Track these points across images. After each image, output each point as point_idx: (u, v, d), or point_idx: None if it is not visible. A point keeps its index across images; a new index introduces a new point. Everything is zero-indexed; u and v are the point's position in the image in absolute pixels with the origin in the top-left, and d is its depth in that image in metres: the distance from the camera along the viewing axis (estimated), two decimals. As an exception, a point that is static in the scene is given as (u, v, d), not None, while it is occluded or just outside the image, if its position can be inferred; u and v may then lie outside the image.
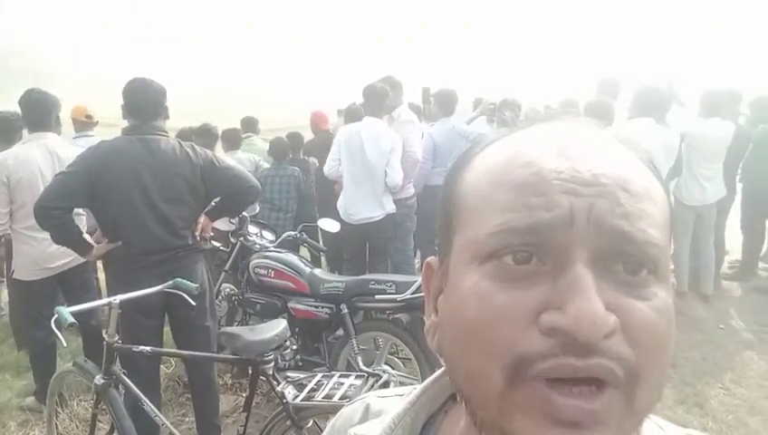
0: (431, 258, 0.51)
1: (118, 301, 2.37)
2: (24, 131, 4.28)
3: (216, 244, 3.91)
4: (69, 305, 2.34)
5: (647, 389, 0.39)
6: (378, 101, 4.15)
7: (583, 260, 0.38)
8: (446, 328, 0.45)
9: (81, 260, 3.18)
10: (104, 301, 2.38)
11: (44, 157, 3.28)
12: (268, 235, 3.99)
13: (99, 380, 2.44)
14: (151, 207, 2.65)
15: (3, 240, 3.39)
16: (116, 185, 2.60)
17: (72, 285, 3.41)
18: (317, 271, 3.55)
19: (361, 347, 3.21)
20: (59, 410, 3.11)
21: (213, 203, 2.94)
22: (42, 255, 3.24)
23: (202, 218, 2.90)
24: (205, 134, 4.85)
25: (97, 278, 4.14)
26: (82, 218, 3.27)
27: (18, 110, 4.18)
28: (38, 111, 3.35)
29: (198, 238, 2.90)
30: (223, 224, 3.96)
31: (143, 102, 2.72)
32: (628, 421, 0.39)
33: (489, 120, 4.70)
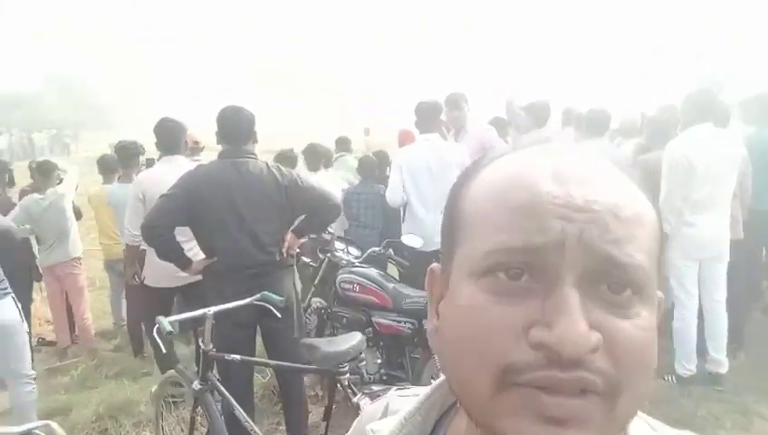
0: (434, 265, 0.54)
1: (212, 312, 2.57)
2: (140, 158, 4.80)
3: (306, 259, 4.09)
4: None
5: (628, 400, 0.42)
6: (430, 117, 3.98)
7: (571, 282, 0.41)
8: (445, 333, 0.48)
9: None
10: (200, 312, 2.59)
11: (175, 178, 3.63)
12: (354, 250, 4.11)
13: (196, 385, 2.65)
14: (242, 226, 2.85)
15: (139, 250, 3.76)
16: (210, 205, 2.83)
17: (193, 295, 3.71)
18: (400, 286, 3.60)
19: (443, 363, 3.20)
20: (165, 412, 3.38)
21: (298, 221, 3.10)
22: (171, 265, 3.56)
23: (288, 236, 3.06)
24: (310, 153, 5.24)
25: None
26: None
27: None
28: (170, 138, 3.77)
29: (285, 255, 3.07)
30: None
31: (234, 129, 2.95)
32: (609, 424, 0.42)
33: (578, 130, 4.54)
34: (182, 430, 3.47)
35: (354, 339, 2.38)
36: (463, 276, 0.46)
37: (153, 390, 3.18)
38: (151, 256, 3.64)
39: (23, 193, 5.04)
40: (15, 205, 4.58)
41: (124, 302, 5.24)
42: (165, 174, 3.58)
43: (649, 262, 0.43)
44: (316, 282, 4.07)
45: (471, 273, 0.44)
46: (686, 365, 3.66)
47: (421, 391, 0.61)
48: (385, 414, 0.64)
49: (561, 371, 0.40)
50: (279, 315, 2.71)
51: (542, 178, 0.44)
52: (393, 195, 4.04)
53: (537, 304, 0.41)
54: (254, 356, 3.06)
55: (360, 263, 3.88)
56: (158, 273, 3.65)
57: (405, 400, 0.63)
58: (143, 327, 4.39)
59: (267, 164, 3.00)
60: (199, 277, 3.12)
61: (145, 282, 3.81)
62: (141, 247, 3.70)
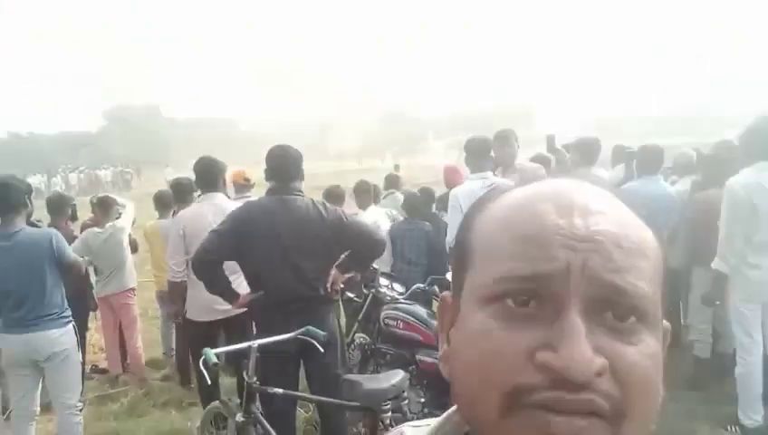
0: (446, 293, 0.56)
1: (256, 345, 2.61)
2: (194, 195, 4.97)
3: (351, 294, 4.11)
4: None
5: (633, 424, 0.43)
6: (481, 154, 3.95)
7: (576, 308, 0.43)
8: (455, 359, 0.50)
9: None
10: (244, 344, 2.63)
11: (214, 214, 3.76)
12: (398, 287, 4.10)
13: (239, 418, 2.67)
14: (288, 261, 2.90)
15: (181, 285, 3.85)
16: (257, 240, 2.89)
17: (233, 328, 3.77)
18: (444, 323, 3.56)
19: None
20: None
21: (342, 257, 3.13)
22: (212, 299, 3.59)
23: (333, 271, 3.09)
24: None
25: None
26: None
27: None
28: (209, 175, 3.91)
29: (330, 290, 3.09)
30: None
31: (282, 167, 3.04)
32: None
33: (628, 167, 4.44)
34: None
35: (397, 376, 2.35)
36: (472, 303, 0.47)
37: (197, 424, 3.22)
38: (192, 290, 3.74)
39: (83, 227, 5.29)
40: (76, 238, 4.80)
41: (174, 332, 5.38)
42: (204, 211, 3.72)
43: (653, 291, 0.45)
44: (360, 317, 4.08)
45: (480, 299, 0.46)
46: (752, 415, 3.43)
47: (434, 422, 0.61)
48: None
49: (567, 392, 0.41)
50: (322, 350, 2.71)
51: (547, 209, 0.46)
52: (453, 236, 3.99)
53: (543, 330, 0.43)
54: (297, 391, 3.07)
55: (404, 299, 3.86)
56: (198, 306, 3.73)
57: (418, 430, 0.64)
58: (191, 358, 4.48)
59: (313, 201, 3.06)
60: (240, 311, 3.17)
61: (186, 315, 3.89)
62: (183, 282, 3.80)
